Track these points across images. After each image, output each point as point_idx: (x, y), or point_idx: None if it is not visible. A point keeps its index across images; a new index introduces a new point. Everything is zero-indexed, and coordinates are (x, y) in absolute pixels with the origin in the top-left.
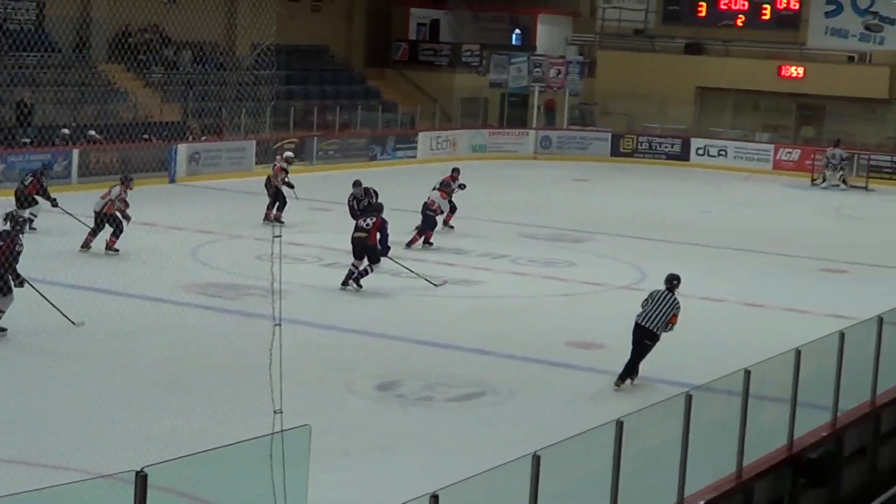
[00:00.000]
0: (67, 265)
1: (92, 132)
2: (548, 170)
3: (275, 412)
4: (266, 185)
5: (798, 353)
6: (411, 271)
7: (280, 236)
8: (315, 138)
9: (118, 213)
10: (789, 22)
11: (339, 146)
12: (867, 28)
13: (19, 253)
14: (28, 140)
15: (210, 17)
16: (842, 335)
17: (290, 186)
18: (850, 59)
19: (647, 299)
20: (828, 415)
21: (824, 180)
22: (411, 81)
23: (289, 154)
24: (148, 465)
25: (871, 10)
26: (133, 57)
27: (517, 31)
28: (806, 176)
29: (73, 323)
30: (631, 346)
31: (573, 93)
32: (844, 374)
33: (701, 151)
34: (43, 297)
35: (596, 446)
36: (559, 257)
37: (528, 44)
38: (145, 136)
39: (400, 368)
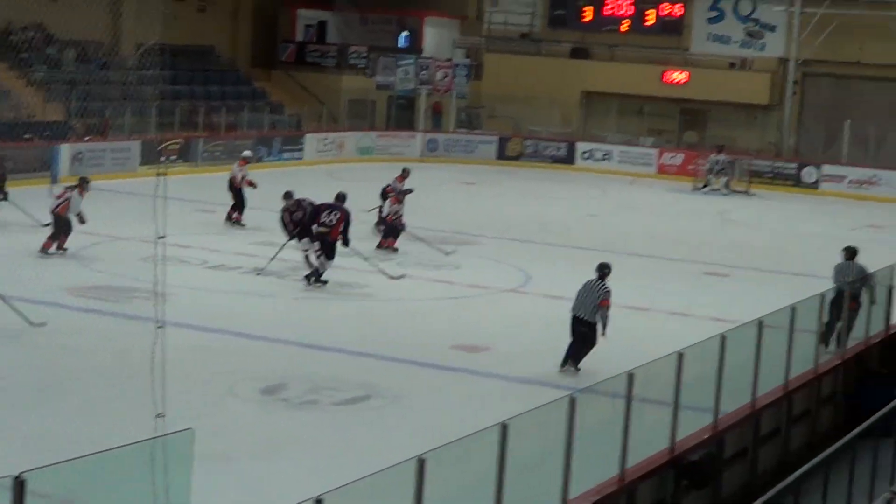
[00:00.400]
0: None
1: None
2: (434, 172)
3: (157, 416)
4: (229, 188)
5: (680, 356)
6: (373, 264)
7: (164, 237)
8: (200, 139)
9: (77, 217)
10: (673, 28)
11: (224, 147)
12: (749, 34)
13: None
14: None
15: (94, 16)
16: (723, 338)
17: (253, 186)
18: (732, 65)
19: (579, 290)
20: (709, 417)
21: (706, 185)
22: (298, 83)
23: (247, 154)
24: (26, 471)
25: (753, 17)
26: (15, 55)
27: (404, 33)
28: (689, 180)
29: (33, 324)
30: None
31: (460, 96)
32: (725, 376)
33: (586, 155)
34: (2, 297)
35: (480, 449)
36: (445, 260)
37: (415, 46)
38: (27, 136)
39: (285, 372)
